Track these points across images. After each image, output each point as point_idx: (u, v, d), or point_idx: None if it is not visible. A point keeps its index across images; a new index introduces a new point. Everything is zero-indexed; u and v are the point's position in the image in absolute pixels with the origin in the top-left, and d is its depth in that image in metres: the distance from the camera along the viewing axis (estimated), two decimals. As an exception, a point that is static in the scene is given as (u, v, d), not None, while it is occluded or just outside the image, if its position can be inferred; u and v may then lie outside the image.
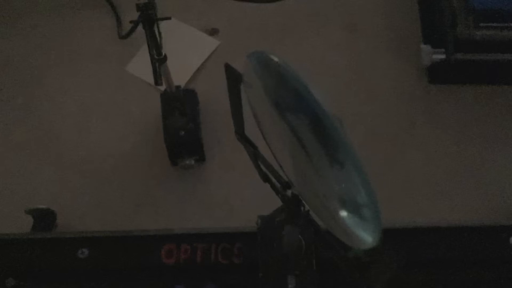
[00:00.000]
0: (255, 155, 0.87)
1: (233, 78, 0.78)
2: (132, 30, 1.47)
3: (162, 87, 1.31)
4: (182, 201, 1.39)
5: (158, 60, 1.19)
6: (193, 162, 1.40)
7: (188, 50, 1.59)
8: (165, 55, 1.19)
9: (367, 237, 0.66)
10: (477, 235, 1.14)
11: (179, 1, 1.66)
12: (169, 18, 1.19)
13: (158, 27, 1.15)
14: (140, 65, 1.56)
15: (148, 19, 1.13)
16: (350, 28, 1.63)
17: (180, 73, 1.47)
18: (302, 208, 0.86)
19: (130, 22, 1.20)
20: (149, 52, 1.16)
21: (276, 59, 0.68)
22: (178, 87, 1.37)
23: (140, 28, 1.16)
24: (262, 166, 0.87)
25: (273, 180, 0.87)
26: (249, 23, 1.64)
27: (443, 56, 1.47)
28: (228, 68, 0.79)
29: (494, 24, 1.42)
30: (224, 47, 1.61)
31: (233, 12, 1.65)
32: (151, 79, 1.20)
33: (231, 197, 1.39)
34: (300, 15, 1.65)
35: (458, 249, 1.13)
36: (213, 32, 1.64)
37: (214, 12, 1.66)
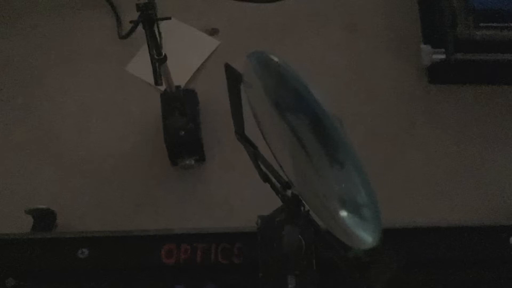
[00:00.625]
0: (255, 155, 0.87)
1: (233, 78, 0.78)
2: (132, 30, 1.47)
3: (162, 87, 1.31)
4: (182, 201, 1.39)
5: (158, 60, 1.19)
6: (193, 162, 1.40)
7: (188, 50, 1.59)
8: (165, 55, 1.19)
9: (367, 237, 0.66)
10: (477, 235, 1.14)
11: (179, 1, 1.66)
12: (169, 18, 1.19)
13: (158, 27, 1.15)
14: (140, 65, 1.56)
15: (148, 19, 1.13)
16: (350, 28, 1.63)
17: (180, 73, 1.47)
18: (302, 208, 0.86)
19: (130, 22, 1.21)
20: (149, 52, 1.16)
21: (276, 59, 0.68)
22: (178, 87, 1.37)
23: (140, 28, 1.16)
24: (262, 166, 0.87)
25: (273, 180, 0.87)
26: (249, 23, 1.64)
27: (443, 56, 1.47)
28: (228, 68, 0.79)
29: (494, 24, 1.42)
30: (224, 47, 1.61)
31: (233, 12, 1.65)
32: (151, 79, 1.20)
33: (231, 197, 1.39)
34: (300, 15, 1.65)
35: (458, 249, 1.12)
36: (213, 32, 1.64)
37: (214, 12, 1.66)
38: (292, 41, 1.61)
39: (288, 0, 1.66)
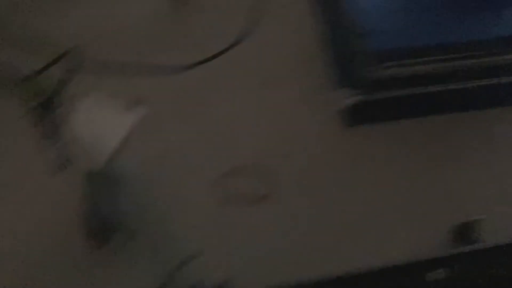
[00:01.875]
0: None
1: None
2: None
3: (75, 170, 1.30)
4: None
5: (61, 145, 1.18)
6: (119, 241, 1.38)
7: (110, 125, 1.58)
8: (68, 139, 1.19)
9: None
10: (395, 274, 1.14)
11: (100, 76, 1.66)
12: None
13: (54, 112, 1.15)
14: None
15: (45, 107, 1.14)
16: (266, 85, 1.66)
17: (102, 149, 1.47)
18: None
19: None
20: (49, 139, 1.17)
21: None
22: (100, 164, 1.37)
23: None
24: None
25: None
26: (170, 92, 1.65)
27: (358, 98, 1.51)
28: None
29: (398, 62, 1.47)
30: (147, 117, 1.62)
31: (155, 82, 1.67)
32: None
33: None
34: (215, 79, 1.68)
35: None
36: (136, 102, 1.65)
37: (136, 83, 1.68)
38: (212, 103, 1.64)
39: (203, 66, 1.68)
